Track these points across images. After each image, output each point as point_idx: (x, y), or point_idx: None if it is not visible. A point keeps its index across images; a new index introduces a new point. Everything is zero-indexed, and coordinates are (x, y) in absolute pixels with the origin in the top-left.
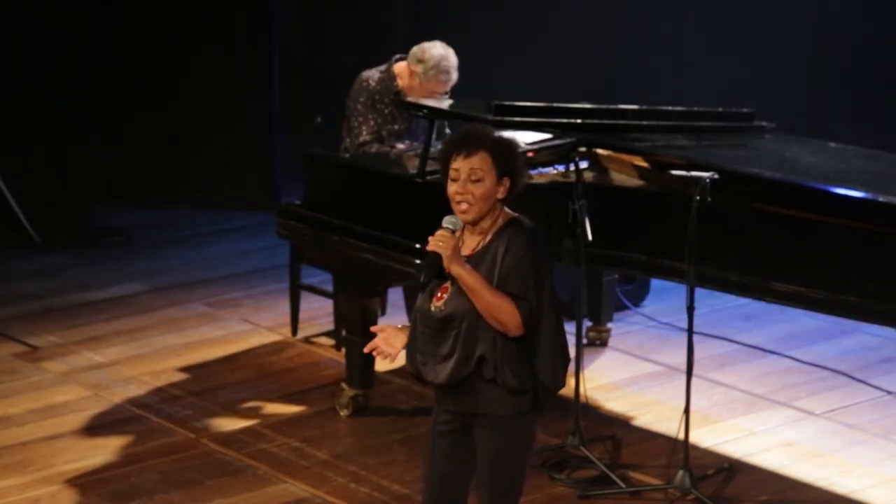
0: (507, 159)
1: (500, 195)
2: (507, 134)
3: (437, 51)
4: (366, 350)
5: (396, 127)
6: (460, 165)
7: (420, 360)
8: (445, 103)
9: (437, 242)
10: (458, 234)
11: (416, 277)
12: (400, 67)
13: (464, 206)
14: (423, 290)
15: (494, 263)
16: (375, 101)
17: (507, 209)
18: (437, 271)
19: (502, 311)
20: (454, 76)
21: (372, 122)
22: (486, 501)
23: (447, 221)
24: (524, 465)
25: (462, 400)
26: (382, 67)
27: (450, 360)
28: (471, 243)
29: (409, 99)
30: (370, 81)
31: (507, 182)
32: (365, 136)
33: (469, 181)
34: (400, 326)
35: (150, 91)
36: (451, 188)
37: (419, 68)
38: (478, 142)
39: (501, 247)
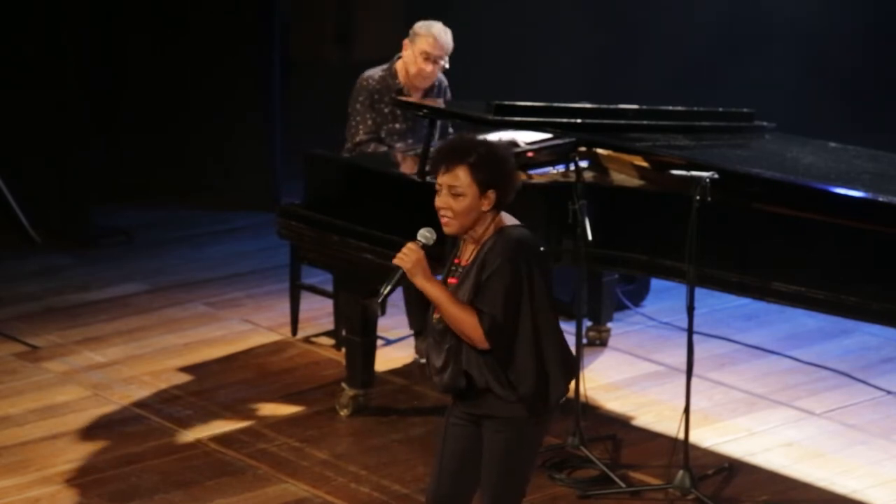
0: (489, 173)
1: (485, 207)
2: (500, 139)
3: (429, 21)
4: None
5: (398, 126)
6: (442, 180)
7: (429, 365)
8: (439, 101)
9: (401, 256)
10: (430, 245)
11: (380, 290)
12: (400, 64)
13: (445, 220)
14: (380, 301)
15: (476, 275)
16: (375, 101)
17: (504, 215)
18: (400, 283)
19: (465, 324)
20: (445, 37)
21: (370, 122)
22: (486, 502)
23: (420, 234)
24: (526, 469)
25: (469, 403)
26: (384, 66)
27: (445, 372)
28: (467, 253)
29: (407, 98)
30: (370, 80)
31: (492, 195)
32: (361, 136)
33: (449, 195)
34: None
35: (150, 91)
36: (436, 201)
37: (409, 37)
38: (459, 156)
39: (482, 257)
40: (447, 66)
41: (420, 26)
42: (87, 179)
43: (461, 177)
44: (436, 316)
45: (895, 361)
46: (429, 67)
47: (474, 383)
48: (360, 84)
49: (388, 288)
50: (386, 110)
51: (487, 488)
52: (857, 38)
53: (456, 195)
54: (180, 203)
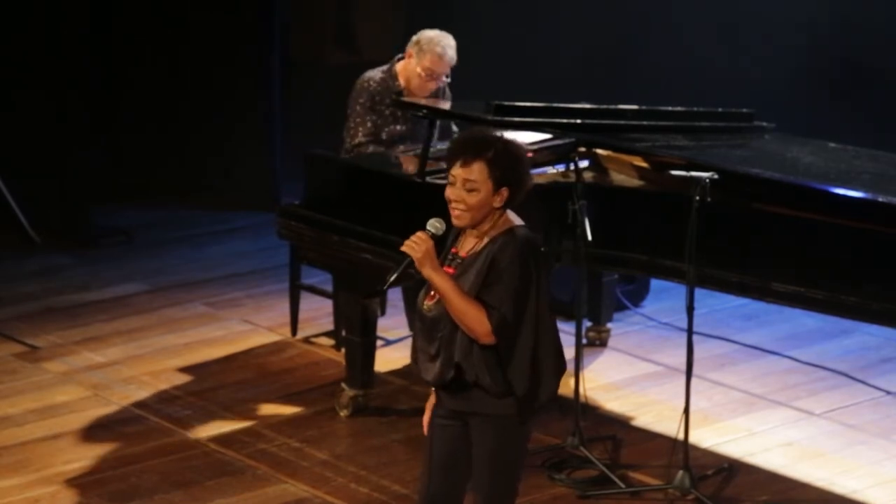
0: (506, 171)
1: (497, 204)
2: (513, 138)
3: (434, 31)
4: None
5: (399, 128)
6: (457, 172)
7: (418, 356)
8: (446, 104)
9: (411, 244)
10: (439, 235)
11: (385, 277)
12: (401, 66)
13: (457, 213)
14: (382, 291)
15: (482, 269)
16: (375, 102)
17: (510, 214)
18: (408, 272)
19: (470, 317)
20: (450, 53)
21: (369, 124)
22: (479, 502)
23: (430, 224)
24: (517, 468)
25: (455, 398)
26: (384, 67)
27: (436, 362)
28: (468, 245)
29: (408, 98)
30: (371, 82)
31: (505, 192)
32: (360, 138)
33: (463, 189)
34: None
35: (150, 91)
36: (447, 191)
37: (415, 48)
38: (477, 150)
39: (492, 255)
40: (449, 79)
41: (427, 42)
42: (87, 179)
43: (478, 171)
44: (428, 303)
45: (895, 361)
46: (431, 85)
47: (463, 377)
48: (361, 85)
49: (395, 276)
50: (387, 112)
51: (480, 488)
52: (858, 37)
53: (470, 190)
54: (180, 203)
